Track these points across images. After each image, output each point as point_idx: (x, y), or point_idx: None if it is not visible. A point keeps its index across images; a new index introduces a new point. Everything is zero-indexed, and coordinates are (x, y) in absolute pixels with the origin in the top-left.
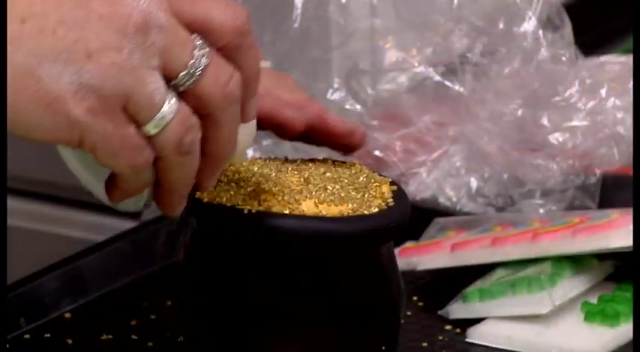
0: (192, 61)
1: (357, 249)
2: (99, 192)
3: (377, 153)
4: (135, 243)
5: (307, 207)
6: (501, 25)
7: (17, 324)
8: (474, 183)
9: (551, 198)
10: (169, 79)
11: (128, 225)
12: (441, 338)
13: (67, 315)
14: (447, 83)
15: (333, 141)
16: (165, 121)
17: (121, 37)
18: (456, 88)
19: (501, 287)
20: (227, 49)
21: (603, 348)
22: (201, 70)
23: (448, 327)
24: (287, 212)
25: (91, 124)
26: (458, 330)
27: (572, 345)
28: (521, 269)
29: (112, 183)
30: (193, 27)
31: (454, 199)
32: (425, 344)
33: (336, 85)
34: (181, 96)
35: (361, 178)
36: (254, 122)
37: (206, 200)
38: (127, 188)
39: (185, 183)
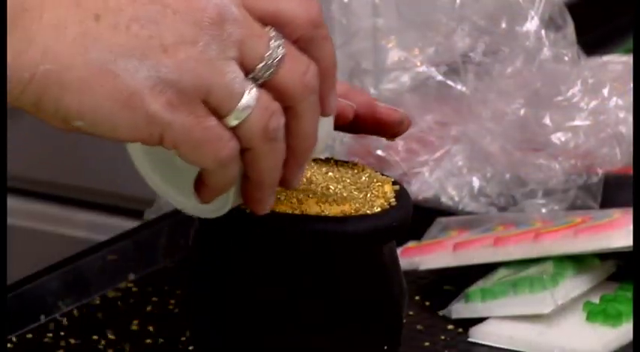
0: (268, 52)
1: (359, 249)
2: (179, 200)
3: (379, 152)
4: (137, 242)
5: (309, 206)
6: (504, 25)
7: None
8: (476, 182)
9: (553, 198)
10: (247, 72)
11: (130, 224)
12: (443, 337)
13: (69, 315)
14: (450, 83)
15: (383, 130)
16: (247, 111)
17: (196, 30)
18: (459, 87)
19: (503, 287)
20: (301, 42)
21: (605, 348)
22: (278, 60)
23: (450, 327)
24: (289, 212)
25: (170, 119)
26: (460, 330)
27: (574, 345)
28: (523, 269)
29: (199, 181)
30: (266, 21)
31: (456, 199)
32: (427, 344)
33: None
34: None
35: (363, 178)
36: (332, 119)
37: None
38: (215, 184)
39: (274, 175)
